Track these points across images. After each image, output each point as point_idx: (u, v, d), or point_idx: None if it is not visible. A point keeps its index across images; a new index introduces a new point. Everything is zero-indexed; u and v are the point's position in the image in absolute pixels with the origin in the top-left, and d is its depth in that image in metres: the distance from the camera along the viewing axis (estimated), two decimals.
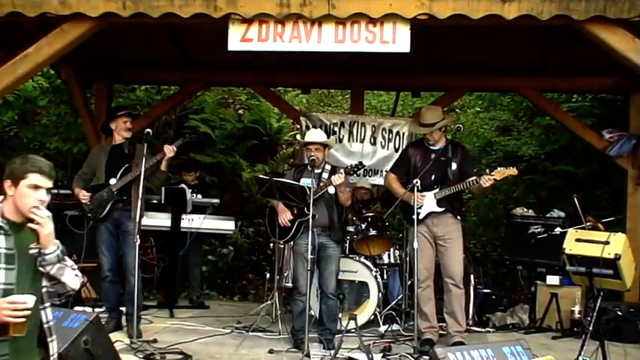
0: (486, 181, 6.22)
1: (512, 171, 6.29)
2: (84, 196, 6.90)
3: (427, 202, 6.51)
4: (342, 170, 6.34)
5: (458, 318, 6.53)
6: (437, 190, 6.52)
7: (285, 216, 6.54)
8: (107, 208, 6.76)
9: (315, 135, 6.79)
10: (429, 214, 6.53)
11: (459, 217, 6.69)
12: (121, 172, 6.74)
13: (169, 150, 6.68)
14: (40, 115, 11.28)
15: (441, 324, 6.75)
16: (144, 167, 6.53)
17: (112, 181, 6.71)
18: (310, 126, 8.58)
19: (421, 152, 6.70)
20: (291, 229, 6.49)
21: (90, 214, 6.96)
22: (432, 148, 6.66)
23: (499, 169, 6.34)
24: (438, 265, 6.67)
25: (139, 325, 6.70)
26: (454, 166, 6.55)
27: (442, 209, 6.51)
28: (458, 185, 6.45)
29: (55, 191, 8.10)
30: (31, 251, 3.31)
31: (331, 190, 6.38)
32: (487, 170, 6.37)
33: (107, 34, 6.59)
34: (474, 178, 6.37)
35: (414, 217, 6.34)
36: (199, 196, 8.85)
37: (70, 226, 7.81)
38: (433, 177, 6.57)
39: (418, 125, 6.80)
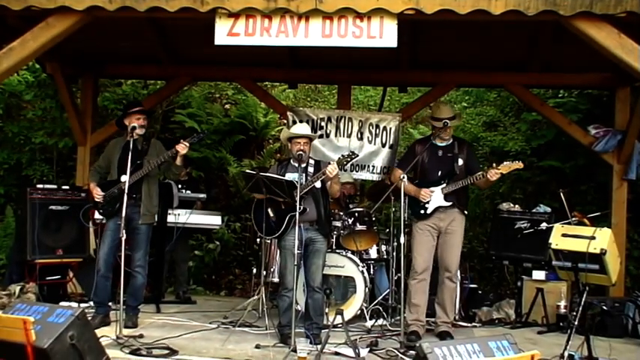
0: (493, 175, 6.36)
1: (518, 165, 6.45)
2: (97, 193, 6.98)
3: (435, 197, 6.65)
4: (333, 162, 6.34)
5: (447, 310, 6.71)
6: (444, 185, 6.63)
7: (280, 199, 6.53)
8: (118, 205, 6.74)
9: (302, 128, 6.79)
10: (437, 209, 6.65)
11: (465, 212, 6.83)
12: (132, 168, 6.73)
13: (182, 147, 6.72)
14: (25, 109, 11.21)
15: (428, 319, 6.80)
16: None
17: (123, 177, 6.68)
18: (297, 121, 8.56)
19: (428, 149, 6.81)
20: (280, 224, 6.47)
21: (102, 210, 7.01)
22: (438, 144, 6.79)
23: (505, 163, 6.48)
24: (433, 260, 6.74)
25: (136, 318, 6.90)
26: (460, 161, 6.71)
27: (449, 203, 6.64)
28: (465, 180, 6.60)
29: (41, 186, 8.12)
30: None
31: (318, 184, 6.37)
32: (493, 164, 6.47)
33: (93, 28, 6.56)
34: (481, 172, 6.52)
35: (403, 213, 6.41)
36: (189, 191, 8.83)
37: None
38: (440, 172, 6.72)
39: (431, 120, 6.94)
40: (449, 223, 6.67)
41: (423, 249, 6.66)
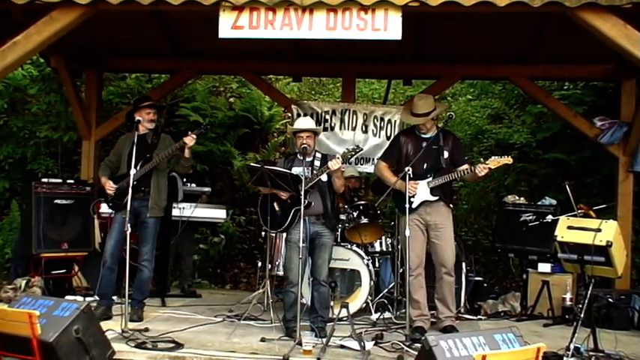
0: (481, 170, 6.29)
1: (507, 160, 6.36)
2: (110, 187, 7.01)
3: (420, 191, 6.52)
4: (338, 155, 6.33)
5: (448, 304, 6.63)
6: (430, 178, 6.53)
7: (283, 194, 6.51)
8: (126, 198, 6.74)
9: (305, 122, 6.78)
10: (422, 203, 6.54)
11: (451, 205, 6.72)
12: (141, 162, 6.73)
13: (189, 139, 6.76)
14: (29, 103, 11.24)
15: (431, 311, 6.79)
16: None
17: (132, 171, 6.69)
18: (301, 114, 8.55)
19: (412, 140, 6.70)
20: (286, 218, 6.46)
21: (111, 203, 7.04)
22: (423, 136, 6.67)
23: (493, 158, 6.40)
24: (428, 253, 6.68)
25: (142, 311, 6.94)
26: (446, 154, 6.58)
27: (435, 198, 6.53)
28: (452, 174, 6.49)
29: (46, 180, 8.13)
30: None
31: (324, 177, 6.36)
32: (481, 159, 6.40)
33: (97, 22, 6.55)
34: (468, 167, 6.45)
35: (407, 205, 6.33)
36: (194, 185, 8.83)
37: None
38: (425, 165, 6.58)
39: (410, 115, 6.78)
40: (436, 220, 6.55)
41: (414, 243, 6.49)
